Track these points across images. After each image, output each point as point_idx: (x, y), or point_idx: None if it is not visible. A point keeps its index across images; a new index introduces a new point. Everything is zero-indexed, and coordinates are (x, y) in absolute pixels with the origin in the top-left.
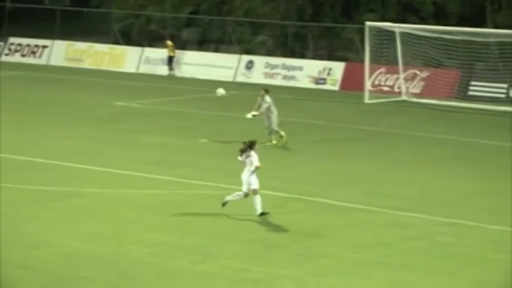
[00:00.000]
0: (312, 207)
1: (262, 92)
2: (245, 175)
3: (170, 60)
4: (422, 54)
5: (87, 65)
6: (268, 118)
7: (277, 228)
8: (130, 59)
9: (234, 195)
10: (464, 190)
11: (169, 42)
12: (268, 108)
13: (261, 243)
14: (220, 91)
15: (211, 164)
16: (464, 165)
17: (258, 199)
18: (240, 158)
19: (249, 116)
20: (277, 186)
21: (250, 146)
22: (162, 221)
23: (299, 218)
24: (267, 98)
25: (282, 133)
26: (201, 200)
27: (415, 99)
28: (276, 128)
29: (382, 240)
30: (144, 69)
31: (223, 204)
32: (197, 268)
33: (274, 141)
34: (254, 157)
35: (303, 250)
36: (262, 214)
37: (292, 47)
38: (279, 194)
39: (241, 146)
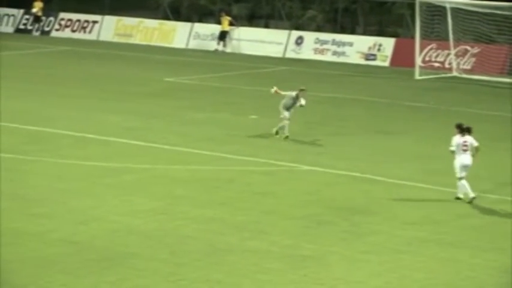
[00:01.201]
0: (363, 184)
1: (305, 93)
2: (467, 159)
3: (223, 35)
4: (473, 30)
5: (137, 40)
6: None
7: (327, 205)
8: (180, 34)
9: (461, 187)
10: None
11: (227, 17)
12: (295, 106)
13: (310, 220)
14: (301, 101)
15: (261, 141)
16: None
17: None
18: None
19: (272, 91)
20: (327, 163)
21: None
22: (212, 197)
23: (349, 195)
24: (303, 101)
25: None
26: (251, 176)
27: (466, 76)
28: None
29: (433, 218)
30: (193, 44)
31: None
32: (247, 245)
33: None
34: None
35: (353, 227)
36: (473, 199)
37: (342, 22)
38: (329, 170)
39: (458, 130)
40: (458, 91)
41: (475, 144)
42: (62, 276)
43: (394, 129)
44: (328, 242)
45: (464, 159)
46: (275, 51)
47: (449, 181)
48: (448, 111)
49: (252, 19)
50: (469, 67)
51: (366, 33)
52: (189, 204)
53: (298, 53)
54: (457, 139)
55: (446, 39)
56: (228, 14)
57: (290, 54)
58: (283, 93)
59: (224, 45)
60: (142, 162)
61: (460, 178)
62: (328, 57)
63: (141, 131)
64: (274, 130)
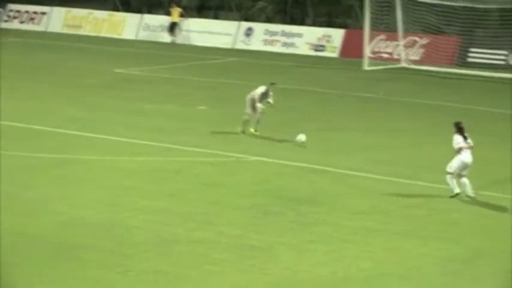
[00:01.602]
0: (310, 175)
1: (274, 88)
2: (469, 158)
3: (173, 26)
4: (422, 21)
5: (86, 31)
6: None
7: (275, 196)
8: (130, 25)
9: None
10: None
11: (177, 8)
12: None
13: (258, 210)
14: (301, 138)
15: (209, 131)
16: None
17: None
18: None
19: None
20: (275, 153)
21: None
22: (160, 188)
23: (296, 185)
24: (271, 99)
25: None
26: (199, 167)
27: (414, 66)
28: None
29: (380, 208)
30: (143, 36)
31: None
32: (194, 235)
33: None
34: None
35: (300, 217)
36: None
37: (292, 13)
38: (277, 161)
39: (456, 129)
40: (407, 82)
41: (472, 144)
42: (8, 268)
43: (342, 120)
44: (276, 232)
45: (467, 157)
46: (225, 43)
47: (396, 171)
48: (397, 102)
49: (202, 10)
50: (417, 58)
51: (315, 24)
52: (136, 195)
53: (248, 44)
54: (460, 138)
55: (395, 30)
56: (178, 5)
57: (240, 46)
58: (258, 96)
59: (174, 36)
60: (90, 153)
61: (450, 173)
62: (277, 48)
63: (90, 122)
64: (238, 130)
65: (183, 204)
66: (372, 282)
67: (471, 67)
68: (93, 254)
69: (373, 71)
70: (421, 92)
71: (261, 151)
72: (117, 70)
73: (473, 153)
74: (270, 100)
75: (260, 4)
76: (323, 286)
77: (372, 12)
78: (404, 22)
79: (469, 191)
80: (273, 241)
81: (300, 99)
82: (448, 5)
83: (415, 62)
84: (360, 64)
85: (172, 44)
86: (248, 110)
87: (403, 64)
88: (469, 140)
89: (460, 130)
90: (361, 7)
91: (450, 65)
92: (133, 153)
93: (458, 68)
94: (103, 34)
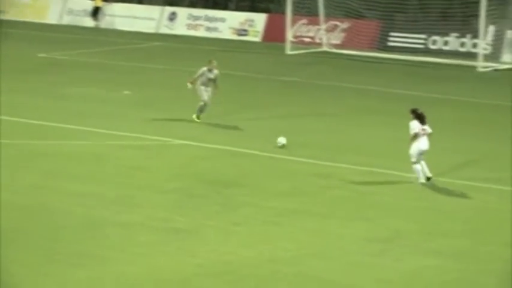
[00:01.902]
0: (234, 158)
1: (214, 64)
2: (425, 144)
3: (96, 11)
4: (343, 5)
5: (9, 16)
6: (208, 93)
7: (200, 179)
8: (53, 10)
9: (418, 172)
10: (384, 140)
11: None
12: (214, 82)
13: (184, 193)
14: (281, 141)
15: (134, 115)
16: (384, 116)
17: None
18: (417, 130)
19: (189, 85)
20: (198, 137)
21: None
22: (87, 171)
23: (221, 168)
24: (215, 71)
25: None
26: (124, 151)
27: (335, 50)
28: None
29: (302, 189)
30: (66, 20)
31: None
32: (121, 218)
33: (199, 120)
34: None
35: (225, 200)
36: (429, 179)
37: None
38: (201, 144)
39: (413, 115)
40: (329, 65)
41: (430, 130)
42: None
43: (265, 103)
44: (201, 215)
45: (423, 144)
46: (149, 27)
47: (318, 154)
48: (319, 86)
49: None
50: (339, 42)
51: (238, 9)
52: (63, 179)
53: (172, 29)
54: (417, 125)
55: (317, 14)
56: None
57: (163, 30)
58: (196, 76)
59: (97, 21)
60: (16, 138)
61: (415, 162)
62: (201, 32)
63: (15, 107)
64: (194, 116)
65: (109, 187)
66: (296, 262)
67: (391, 51)
68: (24, 237)
69: (295, 55)
70: (342, 76)
71: (186, 135)
72: (40, 54)
73: (429, 139)
74: (215, 82)
75: None
76: (249, 267)
77: None
78: (326, 6)
79: (427, 172)
80: (198, 223)
81: (223, 83)
82: None
83: (336, 46)
84: (283, 48)
85: (96, 29)
86: (202, 98)
87: (325, 48)
88: (426, 126)
89: (418, 116)
90: None
91: (371, 49)
92: (59, 137)
93: (379, 52)
94: (27, 19)
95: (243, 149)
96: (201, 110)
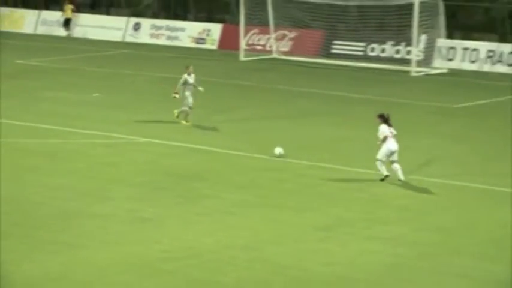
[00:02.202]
0: (196, 154)
1: (191, 68)
2: (394, 145)
3: (67, 22)
4: (290, 16)
5: None
6: (192, 97)
7: (165, 173)
8: (29, 21)
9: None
10: (329, 138)
11: (69, 5)
12: (195, 86)
13: (150, 186)
14: (279, 150)
15: (103, 116)
16: (329, 116)
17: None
18: (387, 133)
19: (176, 96)
20: (163, 135)
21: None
22: (60, 167)
23: (184, 163)
24: (193, 75)
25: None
26: (94, 148)
27: (284, 57)
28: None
29: (258, 182)
30: (41, 30)
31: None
32: (93, 209)
33: (188, 122)
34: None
35: (188, 192)
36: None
37: (176, 10)
38: (165, 142)
39: (381, 120)
40: (278, 71)
41: (395, 132)
42: None
43: (221, 107)
44: (166, 206)
45: (392, 145)
46: (115, 36)
47: (269, 150)
48: (270, 89)
49: (94, 6)
50: (287, 49)
51: (196, 19)
52: (39, 174)
53: (136, 38)
54: (385, 128)
55: (267, 25)
56: (71, 2)
57: (129, 39)
58: (179, 85)
59: (69, 31)
60: None
61: (379, 160)
62: (163, 41)
63: None
64: (175, 112)
65: (82, 181)
66: (251, 248)
67: (334, 58)
68: (3, 227)
69: (248, 61)
70: (291, 80)
71: (150, 133)
72: (18, 61)
73: (397, 141)
74: (195, 85)
75: (147, 1)
76: (209, 253)
77: (246, 9)
78: (275, 17)
79: (400, 176)
80: (163, 214)
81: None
82: (313, 2)
83: (285, 53)
84: (237, 55)
85: (68, 38)
86: (187, 102)
87: (275, 55)
88: (393, 129)
89: (385, 121)
90: (237, 4)
91: (316, 56)
92: (35, 136)
93: (323, 59)
94: (4, 29)
95: (205, 147)
96: (187, 114)
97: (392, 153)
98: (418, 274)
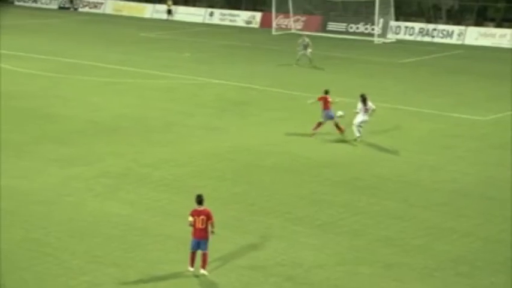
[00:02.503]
0: (246, 90)
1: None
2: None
3: (169, 11)
4: (302, 7)
5: (124, 13)
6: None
7: (228, 100)
8: (148, 10)
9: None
10: (329, 79)
11: (169, 1)
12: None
13: (218, 108)
14: (340, 113)
15: (192, 66)
16: (321, 69)
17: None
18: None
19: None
20: (227, 78)
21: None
22: (166, 97)
23: (239, 95)
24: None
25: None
26: (186, 86)
27: (298, 32)
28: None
29: (282, 107)
30: (155, 16)
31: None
32: (185, 121)
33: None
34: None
35: (242, 111)
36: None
37: (234, 4)
38: (227, 82)
39: (361, 99)
40: (294, 40)
41: (373, 107)
42: (86, 138)
43: (261, 60)
44: (228, 120)
45: (362, 117)
46: (198, 19)
47: (289, 87)
48: (289, 51)
49: (187, 2)
50: (300, 27)
51: (246, 10)
52: (153, 101)
53: (211, 20)
54: (360, 105)
55: (288, 12)
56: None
57: (207, 21)
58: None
59: (169, 16)
60: (128, 78)
61: (354, 124)
62: (227, 22)
63: (127, 61)
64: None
65: (178, 105)
66: (280, 145)
67: (329, 32)
68: (130, 132)
69: (277, 35)
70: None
71: (220, 77)
72: (141, 34)
73: (370, 115)
74: (309, 50)
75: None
76: (254, 147)
77: (276, 3)
78: (293, 8)
79: (357, 136)
80: (227, 124)
81: (239, 50)
82: None
83: (299, 30)
84: (270, 31)
85: (169, 21)
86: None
87: (293, 31)
88: (369, 105)
89: (363, 100)
90: (271, 0)
91: (317, 31)
92: (152, 78)
93: (322, 33)
94: (133, 14)
95: (251, 85)
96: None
97: (362, 121)
98: (377, 161)
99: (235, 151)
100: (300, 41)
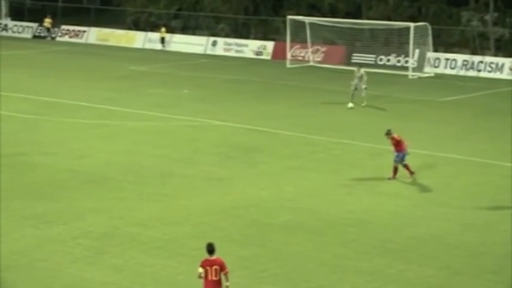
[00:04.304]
0: (254, 133)
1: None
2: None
3: (163, 40)
4: (322, 36)
5: (111, 43)
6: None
7: (233, 146)
8: (139, 39)
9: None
10: (348, 122)
11: (163, 29)
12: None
13: (223, 155)
14: (351, 105)
15: (190, 106)
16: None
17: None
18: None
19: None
20: (231, 119)
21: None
22: (161, 141)
23: (246, 139)
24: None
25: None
26: (184, 128)
27: (318, 65)
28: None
29: (298, 153)
30: (147, 45)
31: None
32: (183, 171)
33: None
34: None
35: (249, 159)
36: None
37: (241, 32)
38: (233, 124)
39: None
40: (313, 74)
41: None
42: (66, 191)
43: (273, 99)
44: (235, 169)
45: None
46: (199, 50)
47: (307, 130)
48: (307, 88)
49: (184, 29)
50: (320, 59)
51: (255, 38)
52: (146, 146)
53: (214, 51)
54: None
55: (306, 42)
56: (165, 27)
57: (208, 52)
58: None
59: (163, 46)
60: (115, 119)
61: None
62: (232, 53)
63: (115, 100)
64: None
65: (175, 151)
66: (294, 199)
67: (353, 65)
68: (119, 183)
69: (292, 68)
70: (323, 81)
71: (223, 118)
72: (131, 67)
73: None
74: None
75: (221, 26)
76: (264, 202)
77: (291, 31)
78: (311, 37)
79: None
80: (232, 175)
81: (247, 85)
82: (338, 26)
83: (318, 62)
84: (284, 64)
85: (163, 51)
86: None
87: (311, 63)
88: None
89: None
90: (285, 28)
91: (340, 64)
92: (143, 119)
93: (345, 66)
94: (122, 45)
95: (261, 128)
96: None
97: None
98: (412, 218)
99: (242, 206)
100: (356, 72)
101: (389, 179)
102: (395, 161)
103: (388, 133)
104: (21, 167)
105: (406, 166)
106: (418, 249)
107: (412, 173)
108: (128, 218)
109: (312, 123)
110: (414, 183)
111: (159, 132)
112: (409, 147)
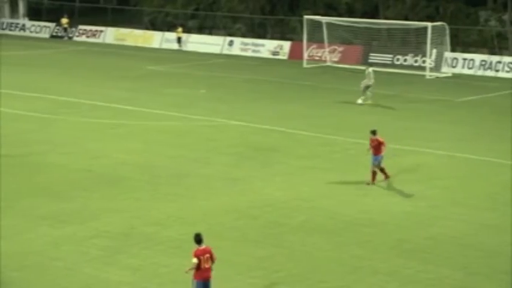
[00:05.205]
0: (271, 133)
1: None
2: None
3: (179, 40)
4: (339, 36)
5: (128, 43)
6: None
7: (249, 146)
8: (156, 39)
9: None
10: (364, 122)
11: (180, 29)
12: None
13: (239, 155)
14: (360, 101)
15: (207, 105)
16: (365, 107)
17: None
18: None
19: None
20: (248, 119)
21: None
22: (178, 141)
23: (262, 139)
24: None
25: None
26: (201, 128)
27: (335, 65)
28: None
29: (314, 153)
30: (164, 45)
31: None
32: (199, 171)
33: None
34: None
35: (265, 159)
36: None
37: (258, 31)
38: (249, 124)
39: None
40: (330, 74)
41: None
42: (81, 191)
43: (290, 99)
44: (251, 169)
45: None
46: (216, 50)
47: (324, 130)
48: (324, 88)
49: (201, 29)
50: (337, 59)
51: (272, 38)
52: (163, 146)
53: (230, 51)
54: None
55: (323, 41)
56: (181, 27)
57: (225, 52)
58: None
59: (180, 46)
60: (132, 119)
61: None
62: (249, 53)
63: (132, 100)
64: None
65: (192, 151)
66: (310, 199)
67: (372, 65)
68: (135, 182)
69: (309, 68)
70: (340, 81)
71: (239, 118)
72: (149, 67)
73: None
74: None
75: (237, 26)
76: (280, 203)
77: (308, 30)
78: (328, 36)
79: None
80: (248, 175)
81: (263, 85)
82: (355, 26)
83: (335, 62)
84: (301, 63)
85: (179, 51)
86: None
87: (328, 63)
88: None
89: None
90: (301, 27)
91: (357, 64)
92: (160, 119)
93: (362, 66)
94: (139, 44)
95: (277, 127)
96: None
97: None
98: (428, 219)
99: (259, 206)
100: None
101: (367, 184)
102: (374, 165)
103: (374, 133)
104: (36, 167)
105: (382, 169)
106: (434, 249)
107: (387, 176)
108: (144, 218)
109: (328, 123)
110: (433, 185)
111: (175, 132)
112: (427, 148)
